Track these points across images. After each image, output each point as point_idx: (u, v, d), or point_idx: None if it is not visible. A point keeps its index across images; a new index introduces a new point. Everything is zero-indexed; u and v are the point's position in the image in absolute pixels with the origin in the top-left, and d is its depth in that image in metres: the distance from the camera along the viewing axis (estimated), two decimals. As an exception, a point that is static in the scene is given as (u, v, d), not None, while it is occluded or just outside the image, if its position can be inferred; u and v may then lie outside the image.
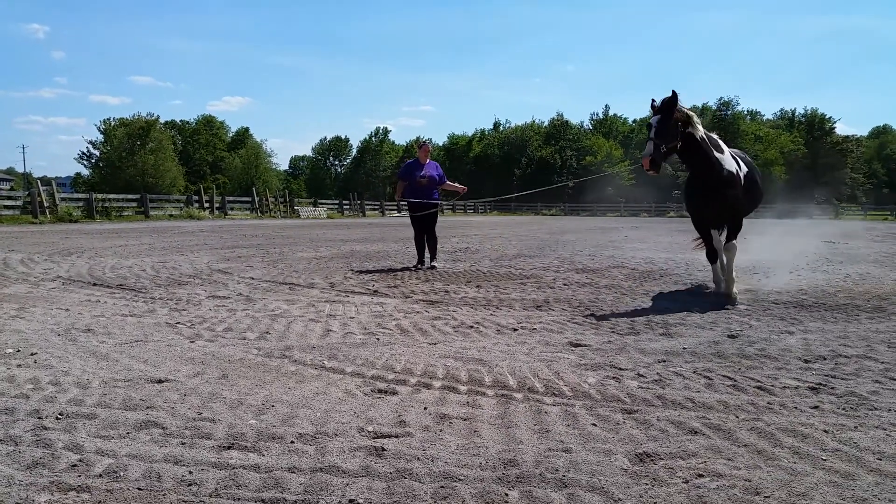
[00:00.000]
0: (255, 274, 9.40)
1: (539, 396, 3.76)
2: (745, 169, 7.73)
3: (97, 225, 24.24)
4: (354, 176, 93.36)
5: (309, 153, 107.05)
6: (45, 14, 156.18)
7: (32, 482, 2.55)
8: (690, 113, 7.05)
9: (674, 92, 6.91)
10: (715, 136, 7.49)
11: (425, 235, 10.74)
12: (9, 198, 28.62)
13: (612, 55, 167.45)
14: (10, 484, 2.53)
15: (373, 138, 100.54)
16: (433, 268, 10.36)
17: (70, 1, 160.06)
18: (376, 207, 54.12)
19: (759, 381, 4.11)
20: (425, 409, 3.52)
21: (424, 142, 10.81)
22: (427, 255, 10.81)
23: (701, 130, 7.14)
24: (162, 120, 68.22)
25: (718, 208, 7.41)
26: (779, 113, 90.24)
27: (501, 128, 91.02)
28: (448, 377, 4.12)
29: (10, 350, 4.58)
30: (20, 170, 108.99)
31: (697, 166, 7.26)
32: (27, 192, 27.41)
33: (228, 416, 3.33)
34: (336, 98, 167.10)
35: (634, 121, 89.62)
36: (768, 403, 3.68)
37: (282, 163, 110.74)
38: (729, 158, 7.42)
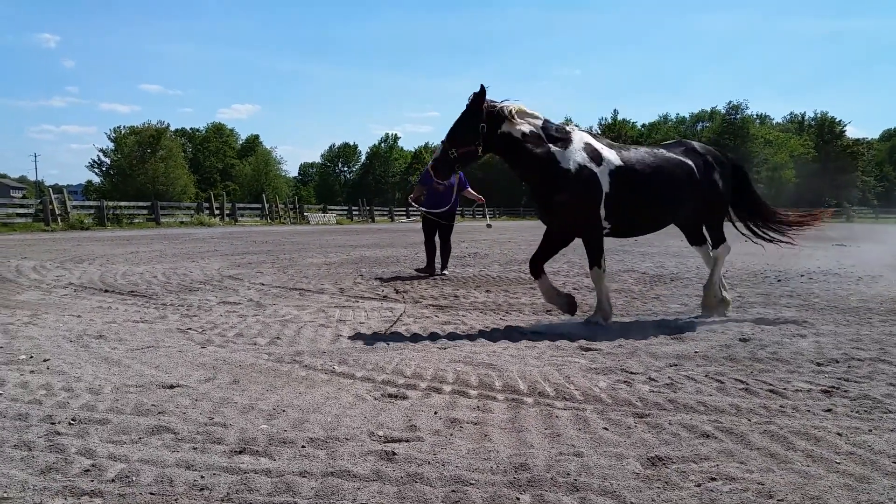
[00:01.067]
0: (265, 280, 9.43)
1: (550, 400, 3.75)
2: (638, 163, 6.11)
3: (108, 232, 24.40)
4: (363, 182, 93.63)
5: (318, 160, 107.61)
6: (56, 23, 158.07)
7: (46, 487, 2.56)
8: (510, 107, 5.95)
9: (482, 86, 5.93)
10: (569, 128, 6.20)
11: (440, 242, 10.60)
12: (21, 206, 28.91)
13: (619, 59, 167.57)
14: (25, 488, 2.54)
15: (382, 144, 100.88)
16: (443, 275, 10.31)
17: (80, 10, 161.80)
18: (385, 213, 54.25)
19: (771, 385, 4.09)
20: (435, 413, 3.52)
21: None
22: (438, 262, 10.66)
23: (525, 126, 5.97)
24: (172, 128, 68.75)
25: (551, 219, 6.36)
26: (788, 116, 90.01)
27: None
28: (458, 381, 4.12)
29: (24, 356, 4.62)
30: (32, 178, 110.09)
31: (526, 168, 6.07)
32: (39, 201, 27.66)
33: (240, 421, 3.34)
34: (344, 105, 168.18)
35: (643, 125, 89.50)
36: (781, 407, 3.65)
37: (291, 170, 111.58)
38: (574, 152, 5.93)
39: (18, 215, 26.23)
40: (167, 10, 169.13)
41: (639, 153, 6.25)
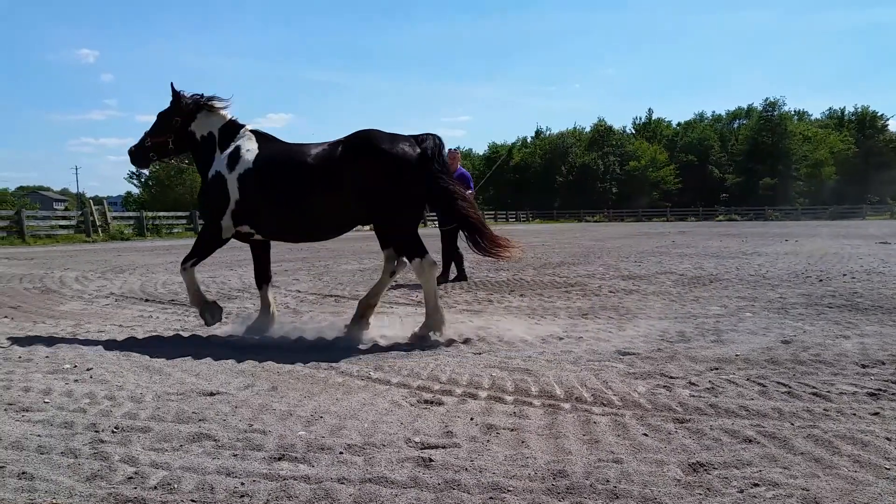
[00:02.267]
0: (301, 287, 9.53)
1: (587, 406, 3.71)
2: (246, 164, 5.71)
3: (148, 242, 24.95)
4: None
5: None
6: (94, 39, 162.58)
7: (91, 493, 2.62)
8: (202, 104, 5.92)
9: (171, 84, 5.96)
10: (243, 130, 5.94)
11: (444, 248, 10.28)
12: (63, 217, 29.75)
13: (653, 57, 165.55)
14: (72, 495, 2.61)
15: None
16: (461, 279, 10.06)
17: (117, 26, 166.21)
18: (419, 218, 54.34)
19: (814, 388, 3.99)
20: (472, 419, 3.51)
21: (451, 150, 9.98)
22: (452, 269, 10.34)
23: (204, 129, 5.95)
24: (209, 138, 69.93)
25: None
26: (827, 112, 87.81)
27: (543, 135, 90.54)
28: (494, 387, 4.11)
29: (68, 365, 4.74)
30: (74, 190, 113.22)
31: (201, 175, 6.03)
32: (80, 212, 28.44)
33: (278, 428, 3.38)
34: (375, 111, 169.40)
35: (678, 124, 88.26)
36: (825, 410, 3.56)
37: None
38: (221, 159, 5.81)
39: (61, 227, 27.01)
40: (201, 24, 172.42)
41: (275, 153, 5.75)
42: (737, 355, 4.88)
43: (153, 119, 6.13)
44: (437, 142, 5.70)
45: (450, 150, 10.00)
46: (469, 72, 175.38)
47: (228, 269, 12.66)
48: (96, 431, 3.32)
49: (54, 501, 2.56)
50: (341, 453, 3.03)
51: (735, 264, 12.48)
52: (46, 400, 3.87)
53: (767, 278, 9.95)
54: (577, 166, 78.17)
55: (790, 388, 4.00)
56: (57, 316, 6.97)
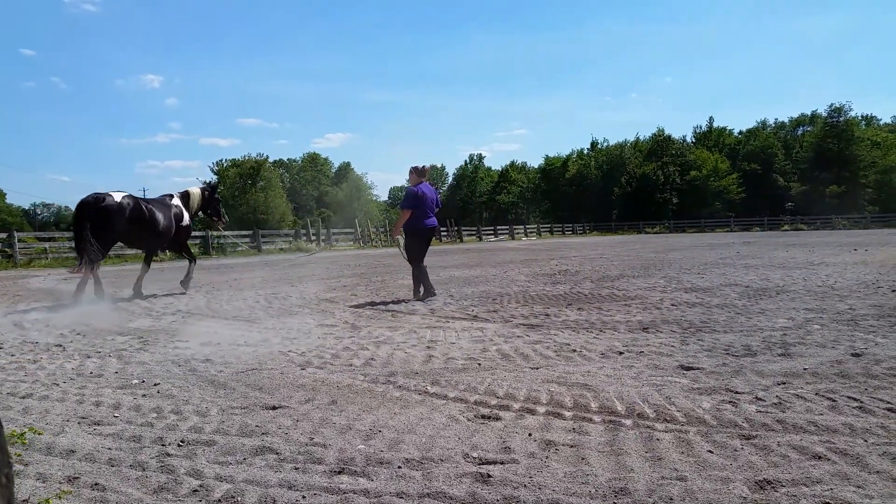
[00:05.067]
0: (359, 302, 9.65)
1: (650, 423, 3.63)
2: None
3: (214, 260, 25.71)
4: (451, 202, 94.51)
5: (404, 183, 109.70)
6: (159, 65, 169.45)
7: (160, 504, 2.70)
8: None
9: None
10: None
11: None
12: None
13: (712, 65, 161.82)
14: (141, 506, 2.69)
15: (468, 165, 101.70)
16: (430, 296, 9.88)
17: (181, 51, 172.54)
18: (473, 233, 54.48)
19: (889, 403, 3.80)
20: (530, 435, 3.47)
21: (420, 167, 10.06)
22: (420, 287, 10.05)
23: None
24: (270, 159, 71.93)
25: None
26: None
27: (599, 147, 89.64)
28: (552, 402, 4.06)
29: (136, 381, 4.91)
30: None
31: None
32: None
33: (338, 442, 3.42)
34: (430, 128, 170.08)
35: (741, 132, 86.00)
36: (905, 428, 3.38)
37: (381, 194, 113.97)
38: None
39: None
40: (262, 48, 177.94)
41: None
42: (805, 369, 4.70)
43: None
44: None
45: (417, 167, 10.08)
46: (524, 86, 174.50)
47: (289, 285, 12.93)
48: (163, 445, 3.42)
49: None
50: (400, 468, 3.04)
51: (802, 275, 12.03)
52: (116, 414, 4.02)
53: (836, 289, 9.56)
54: (636, 177, 76.94)
55: (862, 403, 3.82)
56: (126, 332, 7.24)
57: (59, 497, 2.76)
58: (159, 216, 10.81)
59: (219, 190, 15.10)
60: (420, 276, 9.95)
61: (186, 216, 11.68)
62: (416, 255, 9.91)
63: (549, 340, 6.14)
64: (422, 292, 9.90)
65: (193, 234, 36.66)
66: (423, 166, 10.07)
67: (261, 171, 63.83)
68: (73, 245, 10.84)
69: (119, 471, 3.07)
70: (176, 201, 11.54)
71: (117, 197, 10.19)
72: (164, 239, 11.18)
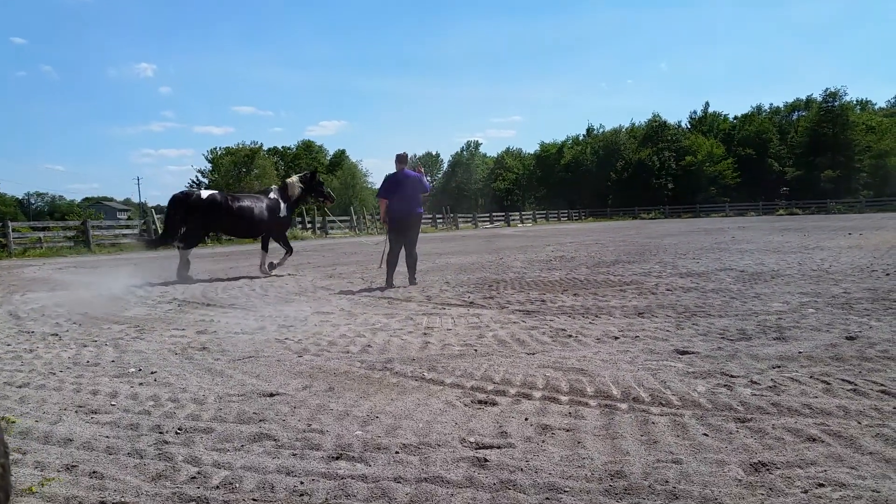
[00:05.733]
0: (355, 289, 9.65)
1: (645, 406, 3.65)
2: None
3: (209, 249, 25.63)
4: (446, 189, 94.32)
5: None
6: (152, 53, 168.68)
7: (157, 493, 2.71)
8: None
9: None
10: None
11: (405, 253, 10.11)
12: (127, 227, 30.90)
13: (706, 51, 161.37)
14: (139, 494, 2.70)
15: (464, 152, 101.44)
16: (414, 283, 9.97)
17: (174, 39, 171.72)
18: (469, 220, 54.45)
19: (882, 385, 3.83)
20: (526, 419, 3.49)
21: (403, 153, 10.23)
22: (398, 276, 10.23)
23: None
24: (264, 147, 71.64)
25: None
26: (893, 100, 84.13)
27: (594, 132, 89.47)
28: (548, 387, 4.08)
29: (133, 369, 4.91)
30: (136, 200, 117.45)
31: None
32: (143, 221, 29.48)
33: (336, 428, 3.43)
34: (425, 115, 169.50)
35: (735, 117, 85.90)
36: (895, 408, 3.41)
37: (376, 181, 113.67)
38: None
39: (125, 236, 28.02)
40: (256, 36, 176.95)
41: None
42: (799, 352, 4.73)
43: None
44: None
45: (398, 154, 10.18)
46: (519, 72, 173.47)
47: (286, 273, 12.92)
48: (161, 433, 3.43)
49: (123, 500, 2.65)
50: (397, 453, 3.06)
51: (797, 259, 12.08)
52: (113, 402, 4.02)
53: (830, 273, 9.60)
54: (632, 163, 76.86)
55: (856, 385, 3.85)
56: (122, 321, 7.23)
57: (42, 485, 2.77)
58: (247, 208, 12.09)
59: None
60: (388, 262, 10.07)
61: (283, 207, 12.52)
62: (390, 240, 10.08)
63: (545, 326, 6.15)
64: (402, 279, 10.06)
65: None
66: (402, 153, 10.07)
67: (255, 159, 63.57)
68: (162, 231, 13.09)
69: (117, 459, 3.08)
70: (273, 194, 12.64)
71: (204, 194, 11.99)
72: (256, 228, 12.42)
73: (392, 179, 9.99)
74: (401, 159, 10.07)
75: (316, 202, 13.94)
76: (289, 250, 12.67)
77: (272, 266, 12.40)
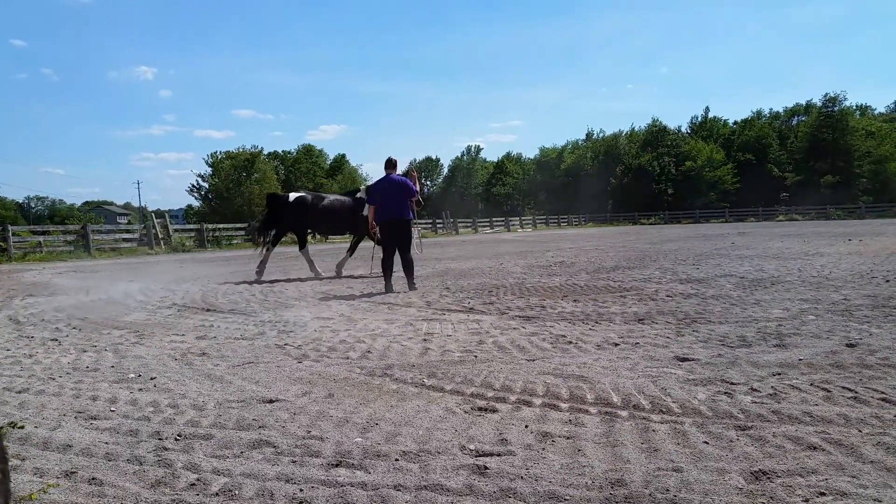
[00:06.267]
0: (355, 294, 9.65)
1: (645, 414, 3.65)
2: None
3: (209, 253, 25.66)
4: (446, 194, 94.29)
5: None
6: (152, 56, 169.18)
7: (156, 500, 2.71)
8: None
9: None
10: None
11: (399, 257, 10.09)
12: (127, 231, 30.92)
13: (707, 55, 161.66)
14: (138, 501, 2.70)
15: (464, 157, 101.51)
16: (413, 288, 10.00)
17: (175, 42, 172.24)
18: (469, 225, 54.46)
19: (883, 393, 3.82)
20: (526, 426, 3.48)
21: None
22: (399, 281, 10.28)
23: None
24: (265, 151, 71.63)
25: None
26: (892, 105, 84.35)
27: (594, 137, 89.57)
28: (548, 394, 4.07)
29: (132, 375, 4.91)
30: (136, 204, 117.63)
31: None
32: (143, 225, 29.49)
33: (335, 435, 3.43)
34: (425, 119, 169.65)
35: (735, 122, 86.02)
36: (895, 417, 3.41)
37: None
38: None
39: (125, 240, 28.05)
40: (257, 40, 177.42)
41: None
42: (800, 360, 4.72)
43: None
44: None
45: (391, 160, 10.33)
46: (519, 77, 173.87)
47: (285, 278, 12.92)
48: (160, 439, 3.42)
49: None
50: (397, 460, 3.05)
51: (797, 265, 12.08)
52: (113, 408, 4.02)
53: (831, 280, 9.60)
54: (632, 168, 76.89)
55: (856, 393, 3.84)
56: (122, 326, 7.23)
57: (45, 491, 2.76)
58: (331, 207, 12.90)
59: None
60: (383, 267, 10.14)
61: (367, 206, 12.37)
62: (382, 245, 10.23)
63: (546, 332, 6.15)
64: (395, 283, 10.12)
65: (188, 226, 36.65)
66: (390, 158, 10.19)
67: (255, 163, 63.46)
68: (256, 229, 14.62)
69: (116, 465, 3.08)
70: (360, 194, 13.13)
71: (291, 196, 12.90)
72: (339, 226, 13.36)
73: (378, 184, 10.09)
74: (389, 164, 10.17)
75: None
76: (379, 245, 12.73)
77: (343, 263, 13.20)
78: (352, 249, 13.79)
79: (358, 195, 13.16)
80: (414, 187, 10.14)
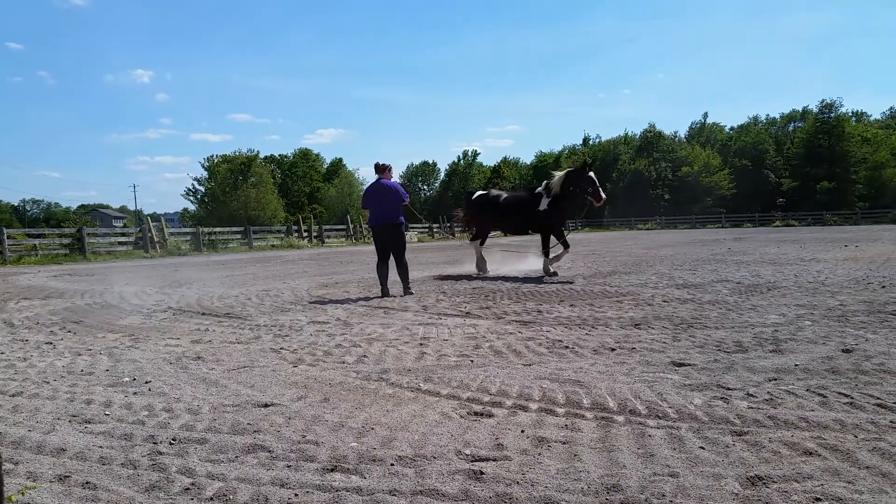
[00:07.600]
0: (351, 299, 9.63)
1: (642, 419, 3.64)
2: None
3: (204, 257, 25.60)
4: (443, 199, 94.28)
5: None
6: (149, 60, 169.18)
7: None
8: None
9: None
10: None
11: (394, 262, 10.09)
12: (122, 234, 30.86)
13: (703, 62, 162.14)
14: (133, 505, 2.68)
15: (461, 161, 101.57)
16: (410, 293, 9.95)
17: (171, 46, 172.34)
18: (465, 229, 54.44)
19: (879, 398, 3.82)
20: (522, 431, 3.48)
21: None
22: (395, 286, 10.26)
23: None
24: (261, 155, 71.62)
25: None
26: (888, 112, 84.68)
27: (591, 143, 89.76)
28: (545, 399, 4.06)
29: (127, 379, 4.89)
30: (132, 208, 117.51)
31: None
32: (139, 229, 29.44)
33: (331, 439, 3.41)
34: (422, 124, 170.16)
35: (732, 128, 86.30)
36: (891, 422, 3.41)
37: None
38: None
39: (121, 244, 28.00)
40: (254, 44, 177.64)
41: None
42: (796, 365, 4.73)
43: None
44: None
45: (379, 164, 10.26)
46: (517, 83, 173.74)
47: (281, 282, 12.89)
48: (154, 443, 3.41)
49: None
50: (392, 465, 3.04)
51: (793, 271, 12.09)
52: (107, 412, 4.00)
53: (827, 285, 9.61)
54: (628, 173, 77.01)
55: (852, 398, 3.85)
56: (117, 330, 7.21)
57: (22, 493, 2.74)
58: (507, 204, 13.08)
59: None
60: (378, 272, 10.14)
61: (543, 202, 12.47)
62: (376, 249, 10.21)
63: (542, 337, 6.15)
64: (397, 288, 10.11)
65: (184, 230, 36.60)
66: (377, 163, 10.20)
67: (252, 166, 63.45)
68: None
69: (110, 469, 3.06)
70: (539, 190, 12.88)
71: (476, 193, 13.72)
72: (515, 222, 13.40)
73: (369, 189, 10.14)
74: (378, 169, 10.17)
75: (585, 195, 12.17)
76: (565, 246, 12.74)
77: (552, 261, 12.72)
78: (546, 247, 12.72)
79: (537, 191, 12.83)
80: (404, 191, 10.16)
